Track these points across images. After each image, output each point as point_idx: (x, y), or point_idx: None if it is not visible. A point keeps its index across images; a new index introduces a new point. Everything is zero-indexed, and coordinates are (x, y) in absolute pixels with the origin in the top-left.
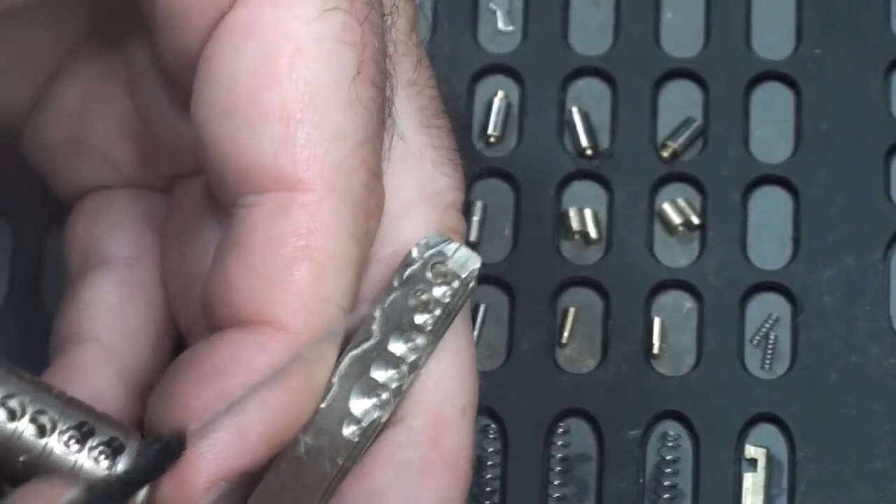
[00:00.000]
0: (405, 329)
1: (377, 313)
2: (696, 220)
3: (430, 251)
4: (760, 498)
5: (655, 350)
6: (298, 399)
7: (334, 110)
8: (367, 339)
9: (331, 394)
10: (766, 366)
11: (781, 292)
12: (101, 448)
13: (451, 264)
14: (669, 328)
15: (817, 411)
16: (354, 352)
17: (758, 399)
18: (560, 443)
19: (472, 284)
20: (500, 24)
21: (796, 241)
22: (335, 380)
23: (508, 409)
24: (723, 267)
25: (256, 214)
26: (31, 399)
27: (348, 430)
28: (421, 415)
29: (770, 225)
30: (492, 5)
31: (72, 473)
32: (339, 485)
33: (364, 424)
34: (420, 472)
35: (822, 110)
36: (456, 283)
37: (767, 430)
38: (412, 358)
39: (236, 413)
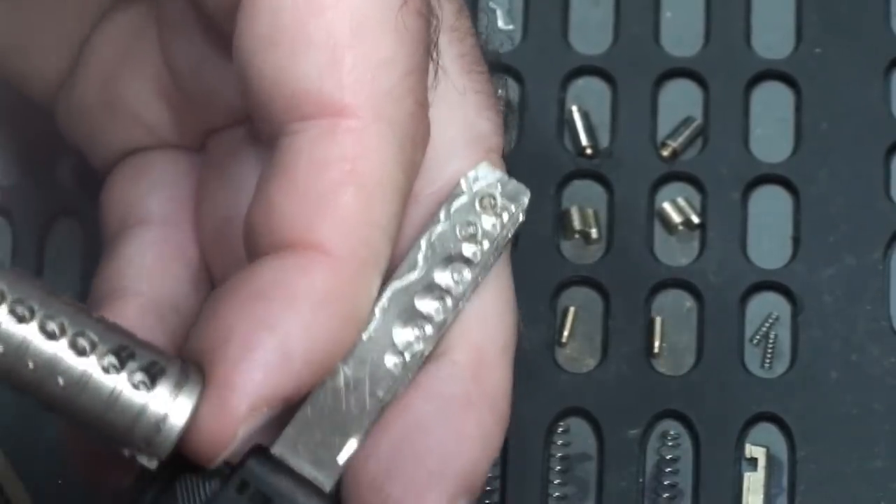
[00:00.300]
0: (451, 260)
1: (423, 244)
2: (696, 220)
3: (480, 183)
4: (760, 497)
5: (655, 350)
6: (342, 325)
7: (381, 38)
8: (412, 270)
9: (373, 324)
10: (766, 365)
11: (781, 292)
12: (140, 373)
13: (500, 196)
14: (669, 328)
15: (817, 411)
16: (398, 283)
17: (758, 398)
18: (560, 442)
19: (521, 218)
20: (500, 23)
21: (796, 241)
22: (378, 310)
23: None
24: (723, 266)
25: (301, 140)
26: (71, 320)
27: (390, 362)
28: (464, 350)
29: (770, 224)
30: (492, 4)
31: (110, 399)
32: (378, 417)
33: (406, 356)
34: (462, 407)
35: (822, 110)
36: (505, 216)
37: (767, 430)
38: (458, 290)
39: (279, 337)
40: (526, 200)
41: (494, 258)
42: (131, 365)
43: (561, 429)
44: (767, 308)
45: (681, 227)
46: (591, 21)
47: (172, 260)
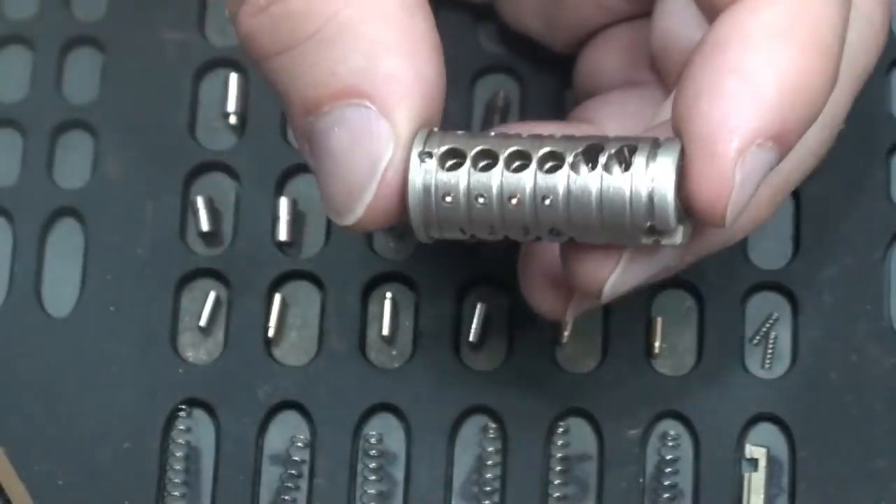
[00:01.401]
0: None
1: None
2: None
3: None
4: (761, 497)
5: (655, 350)
6: (808, 55)
7: None
8: None
9: None
10: (766, 365)
11: (781, 292)
12: (616, 159)
13: None
14: (669, 328)
15: (817, 411)
16: None
17: (758, 399)
18: (560, 443)
19: None
20: None
21: (796, 241)
22: None
23: (508, 409)
24: (723, 266)
25: None
26: (532, 145)
27: None
28: None
29: (770, 224)
30: None
31: (605, 196)
32: None
33: None
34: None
35: None
36: None
37: (767, 430)
38: None
39: (746, 77)
40: None
41: None
42: (605, 156)
43: (561, 429)
44: (767, 308)
45: None
46: None
47: (634, 118)
